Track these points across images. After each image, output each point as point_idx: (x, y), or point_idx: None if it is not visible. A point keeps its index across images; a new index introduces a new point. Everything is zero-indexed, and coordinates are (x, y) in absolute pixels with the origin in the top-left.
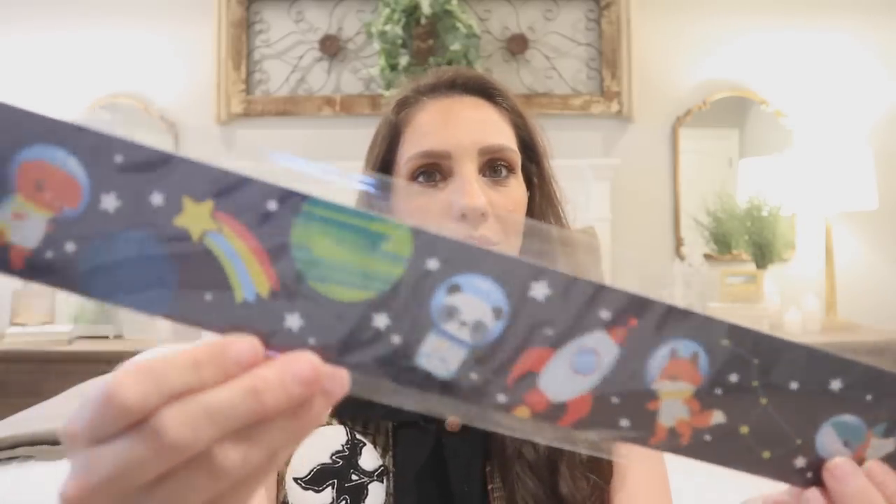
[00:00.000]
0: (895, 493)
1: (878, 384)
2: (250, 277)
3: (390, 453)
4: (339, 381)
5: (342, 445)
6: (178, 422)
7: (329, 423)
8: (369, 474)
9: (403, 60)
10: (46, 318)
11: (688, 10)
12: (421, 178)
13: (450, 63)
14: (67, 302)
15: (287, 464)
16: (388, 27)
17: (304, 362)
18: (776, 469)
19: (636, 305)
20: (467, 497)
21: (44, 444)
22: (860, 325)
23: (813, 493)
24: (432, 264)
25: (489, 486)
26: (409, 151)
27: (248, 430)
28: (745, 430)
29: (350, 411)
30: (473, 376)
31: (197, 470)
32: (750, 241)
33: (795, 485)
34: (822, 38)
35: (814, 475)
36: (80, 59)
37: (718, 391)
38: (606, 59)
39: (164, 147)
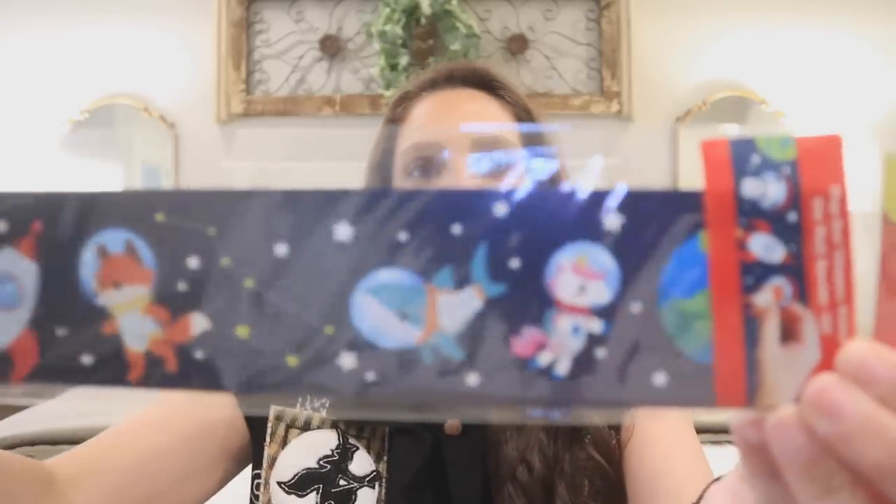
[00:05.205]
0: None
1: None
2: None
3: (385, 459)
4: None
5: (332, 450)
6: None
7: (320, 428)
8: (359, 479)
9: (403, 60)
10: None
11: (688, 10)
12: (416, 174)
13: None
14: None
15: (272, 467)
16: (388, 27)
17: None
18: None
19: (43, 205)
20: (467, 502)
21: (44, 444)
22: (860, 325)
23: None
24: None
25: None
26: (403, 145)
27: None
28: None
29: (344, 416)
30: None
31: None
32: None
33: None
34: (822, 37)
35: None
36: (80, 59)
37: (181, 286)
38: (606, 59)
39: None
